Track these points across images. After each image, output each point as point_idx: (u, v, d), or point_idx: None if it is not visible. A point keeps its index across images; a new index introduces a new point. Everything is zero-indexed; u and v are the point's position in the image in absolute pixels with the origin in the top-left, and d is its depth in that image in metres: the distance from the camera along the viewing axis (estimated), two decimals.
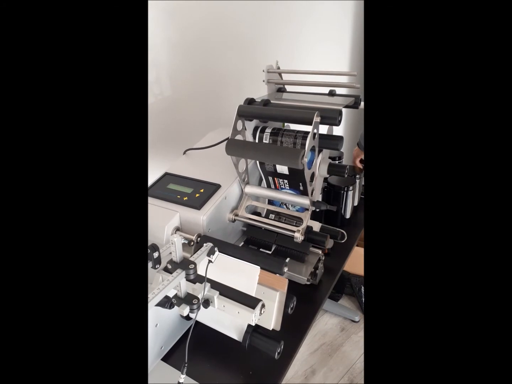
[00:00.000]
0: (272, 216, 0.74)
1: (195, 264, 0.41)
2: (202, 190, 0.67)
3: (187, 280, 0.42)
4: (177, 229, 0.63)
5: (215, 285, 0.47)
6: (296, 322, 0.61)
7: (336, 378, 1.18)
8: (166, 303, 0.46)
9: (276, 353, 0.50)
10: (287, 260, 0.67)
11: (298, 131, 0.66)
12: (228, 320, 0.52)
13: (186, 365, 0.46)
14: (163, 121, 1.01)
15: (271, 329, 0.53)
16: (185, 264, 0.41)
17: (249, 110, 0.62)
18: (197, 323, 0.46)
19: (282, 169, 0.69)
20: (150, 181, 0.72)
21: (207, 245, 0.45)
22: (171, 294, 0.45)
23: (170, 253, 0.44)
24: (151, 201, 0.66)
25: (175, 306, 0.44)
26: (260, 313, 0.45)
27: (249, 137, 0.69)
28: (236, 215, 0.70)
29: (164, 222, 0.62)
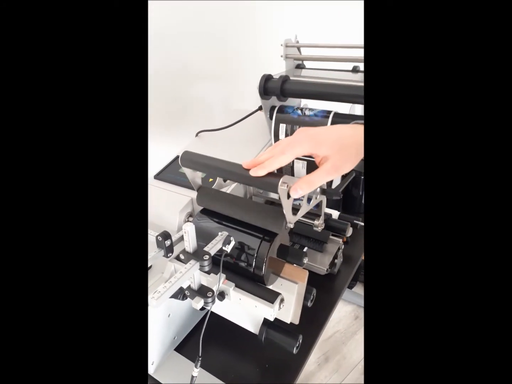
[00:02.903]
0: None
1: (209, 254, 0.37)
2: None
3: (201, 271, 0.39)
4: (190, 215, 0.60)
5: (230, 276, 0.44)
6: (314, 314, 0.58)
7: (349, 366, 1.17)
8: (179, 294, 0.43)
9: (295, 348, 0.47)
10: (305, 249, 0.64)
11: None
12: (244, 312, 0.50)
13: (200, 358, 0.44)
14: (175, 102, 0.97)
15: (288, 322, 0.50)
16: (199, 255, 0.37)
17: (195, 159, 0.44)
18: (211, 311, 0.43)
19: None
20: (162, 165, 0.69)
21: (222, 234, 0.41)
22: (184, 284, 0.42)
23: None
24: (162, 185, 0.63)
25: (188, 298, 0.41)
26: (279, 308, 0.42)
27: (266, 119, 0.64)
28: (250, 198, 0.66)
29: (177, 207, 0.58)
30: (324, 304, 0.62)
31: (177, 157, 0.70)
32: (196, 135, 0.76)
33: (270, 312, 0.40)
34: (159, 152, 0.75)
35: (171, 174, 0.65)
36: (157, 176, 0.65)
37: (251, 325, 0.51)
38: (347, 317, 1.36)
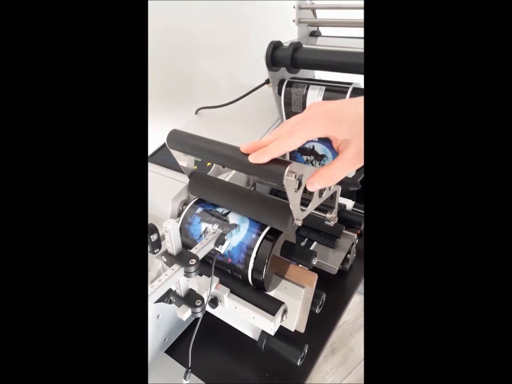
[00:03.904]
0: None
1: (197, 258, 0.31)
2: None
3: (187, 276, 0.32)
4: (185, 203, 0.54)
5: (225, 280, 0.37)
6: (321, 316, 0.51)
7: (356, 360, 1.13)
8: (166, 297, 0.37)
9: (299, 360, 0.42)
10: (314, 244, 0.57)
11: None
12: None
13: (189, 371, 0.38)
14: (174, 76, 0.88)
15: (293, 330, 0.44)
16: (184, 258, 0.31)
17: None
18: (207, 312, 0.37)
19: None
20: (156, 146, 0.62)
21: (215, 232, 0.34)
22: (173, 286, 0.36)
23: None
24: (155, 169, 0.56)
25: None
26: (282, 320, 0.35)
27: (274, 95, 0.56)
28: (254, 185, 0.59)
29: (170, 194, 0.52)
30: (334, 305, 0.56)
31: None
32: (196, 112, 0.68)
33: (270, 326, 0.34)
34: (157, 132, 0.68)
35: (165, 156, 0.58)
36: (150, 159, 0.58)
37: (250, 330, 0.45)
38: (355, 307, 1.31)
